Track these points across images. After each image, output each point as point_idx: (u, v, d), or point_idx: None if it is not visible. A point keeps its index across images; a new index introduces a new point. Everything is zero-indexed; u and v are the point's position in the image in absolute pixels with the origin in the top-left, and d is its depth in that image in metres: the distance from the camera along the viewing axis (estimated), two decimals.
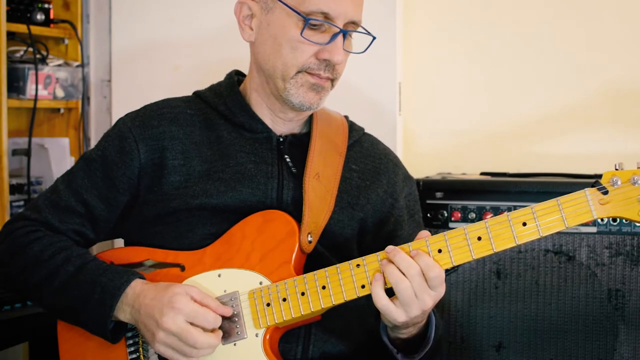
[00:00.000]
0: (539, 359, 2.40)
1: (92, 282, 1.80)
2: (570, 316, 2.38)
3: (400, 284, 1.65)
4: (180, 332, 1.70)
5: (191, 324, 1.71)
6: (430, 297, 1.67)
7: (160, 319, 1.70)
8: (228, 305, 1.78)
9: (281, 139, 1.94)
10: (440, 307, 2.35)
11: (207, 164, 1.89)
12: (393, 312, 1.67)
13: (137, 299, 1.76)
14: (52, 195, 1.94)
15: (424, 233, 1.70)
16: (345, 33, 1.82)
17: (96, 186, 1.92)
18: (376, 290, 1.68)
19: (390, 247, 1.69)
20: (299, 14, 1.79)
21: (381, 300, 1.67)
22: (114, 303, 1.77)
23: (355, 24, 1.85)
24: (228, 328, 1.77)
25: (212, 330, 1.73)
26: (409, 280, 1.65)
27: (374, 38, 1.90)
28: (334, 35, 1.81)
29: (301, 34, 1.80)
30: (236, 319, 1.77)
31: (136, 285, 1.78)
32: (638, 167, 1.60)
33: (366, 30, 1.89)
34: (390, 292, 1.68)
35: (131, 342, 1.84)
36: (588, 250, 2.37)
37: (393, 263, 1.66)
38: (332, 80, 1.86)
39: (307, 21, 1.79)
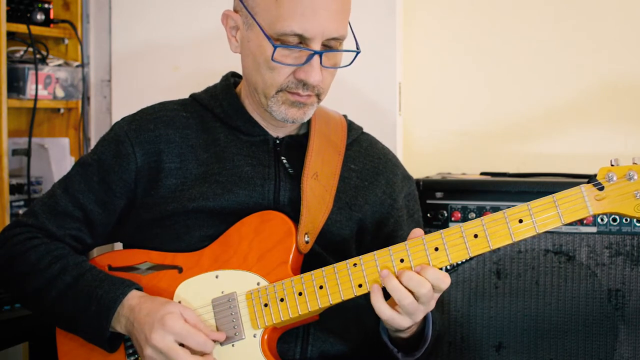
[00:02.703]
0: (539, 359, 2.39)
1: (89, 294, 1.80)
2: (570, 316, 2.37)
3: (404, 300, 1.64)
4: (167, 351, 1.69)
5: (181, 345, 1.71)
6: (435, 301, 1.69)
7: (149, 335, 1.70)
8: (225, 306, 1.77)
9: (278, 141, 1.93)
10: (440, 307, 2.35)
11: (204, 166, 1.89)
12: (398, 319, 1.67)
13: (132, 311, 1.76)
14: (49, 200, 1.93)
15: (418, 231, 1.70)
16: (321, 54, 1.77)
17: (93, 190, 1.91)
18: (378, 304, 1.67)
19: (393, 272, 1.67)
20: (268, 38, 1.76)
21: (385, 312, 1.67)
22: (110, 315, 1.77)
23: (337, 39, 1.79)
24: (226, 329, 1.77)
25: (203, 355, 1.72)
26: (418, 297, 1.64)
27: (358, 52, 1.84)
28: (309, 57, 1.76)
29: (272, 58, 1.76)
30: (234, 320, 1.76)
31: (133, 298, 1.78)
32: (634, 163, 1.60)
33: (357, 44, 1.85)
34: (386, 292, 1.68)
35: (130, 344, 1.84)
36: (588, 250, 2.37)
37: (400, 281, 1.65)
38: (318, 95, 1.83)
39: (275, 48, 1.75)
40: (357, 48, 1.84)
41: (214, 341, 1.74)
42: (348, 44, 1.84)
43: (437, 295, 1.68)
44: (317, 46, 1.76)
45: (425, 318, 1.79)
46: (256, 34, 1.79)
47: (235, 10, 1.86)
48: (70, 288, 1.81)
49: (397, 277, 1.65)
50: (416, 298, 1.65)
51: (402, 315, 1.67)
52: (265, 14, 1.76)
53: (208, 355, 1.72)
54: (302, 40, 1.76)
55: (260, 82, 1.82)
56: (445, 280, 1.65)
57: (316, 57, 1.76)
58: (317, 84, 1.79)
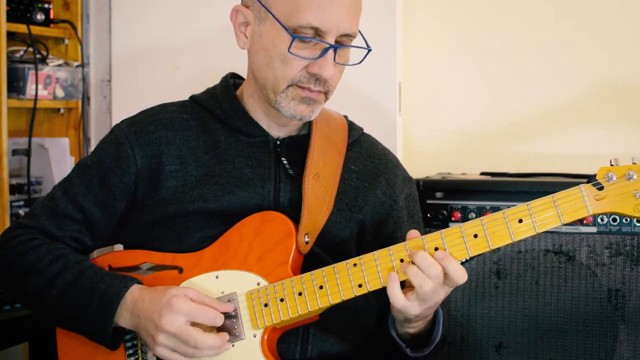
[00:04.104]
0: (539, 359, 2.39)
1: (91, 290, 1.79)
2: (570, 316, 2.37)
3: (424, 286, 1.64)
4: (180, 332, 1.69)
5: (192, 324, 1.71)
6: (444, 292, 1.68)
7: (159, 321, 1.70)
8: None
9: (278, 142, 1.93)
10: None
11: (204, 168, 1.89)
12: (409, 308, 1.67)
13: (135, 304, 1.76)
14: (49, 202, 1.94)
15: (414, 233, 1.70)
16: (336, 48, 1.78)
17: (93, 193, 1.91)
18: (393, 292, 1.66)
19: (411, 250, 1.68)
20: (286, 29, 1.76)
21: (399, 301, 1.66)
22: (113, 310, 1.77)
23: (349, 36, 1.81)
24: (226, 329, 1.76)
25: (216, 332, 1.73)
26: (429, 278, 1.64)
27: (369, 50, 1.85)
28: (324, 50, 1.77)
29: (289, 49, 1.76)
30: (234, 320, 1.76)
31: (135, 291, 1.78)
32: (633, 163, 1.60)
33: (366, 44, 1.86)
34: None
35: (130, 344, 1.84)
36: (588, 250, 2.37)
37: (414, 263, 1.65)
38: (326, 93, 1.83)
39: (294, 38, 1.76)
40: (368, 47, 1.85)
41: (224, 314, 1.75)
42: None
43: (447, 289, 1.68)
44: (331, 40, 1.77)
45: (435, 315, 1.79)
46: (270, 27, 1.80)
47: (246, 6, 1.86)
48: (71, 285, 1.81)
49: (412, 259, 1.66)
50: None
51: (412, 302, 1.66)
52: (281, 7, 1.77)
53: (222, 333, 1.73)
54: (318, 34, 1.76)
55: (271, 76, 1.82)
56: (463, 276, 1.65)
57: (330, 52, 1.77)
58: (329, 79, 1.79)
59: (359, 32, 1.85)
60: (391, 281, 1.66)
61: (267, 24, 1.81)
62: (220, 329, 1.75)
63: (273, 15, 1.78)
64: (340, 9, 1.77)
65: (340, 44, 1.80)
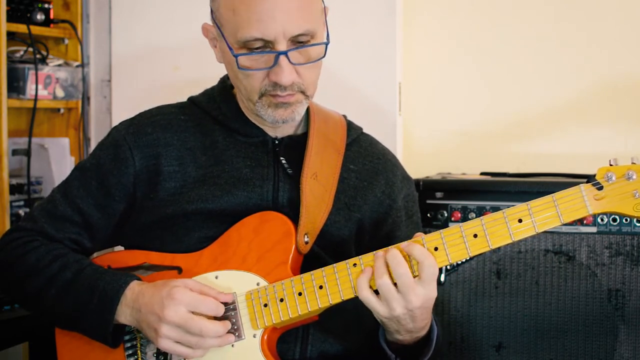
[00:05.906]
0: (539, 359, 2.39)
1: (91, 287, 1.80)
2: (570, 316, 2.37)
3: (379, 279, 1.65)
4: (184, 322, 1.70)
5: (193, 314, 1.71)
6: (417, 297, 1.65)
7: (161, 313, 1.70)
8: (225, 306, 1.77)
9: (277, 142, 1.93)
10: (440, 307, 2.35)
11: (202, 169, 1.89)
12: (375, 304, 1.67)
13: (136, 299, 1.76)
14: (48, 205, 1.94)
15: (420, 235, 1.70)
16: (286, 53, 1.74)
17: (92, 195, 1.91)
18: (360, 282, 1.67)
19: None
20: (230, 48, 1.76)
21: (362, 290, 1.67)
22: (113, 306, 1.77)
23: (303, 35, 1.76)
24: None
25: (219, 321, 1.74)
26: (396, 277, 1.64)
27: (327, 43, 1.80)
28: (276, 58, 1.74)
29: (238, 67, 1.76)
30: (234, 320, 1.76)
31: (134, 287, 1.78)
32: (633, 163, 1.60)
33: (327, 36, 1.82)
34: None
35: (129, 345, 1.84)
36: (588, 250, 2.37)
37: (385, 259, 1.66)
38: (303, 92, 1.81)
39: (236, 57, 1.75)
40: (327, 39, 1.82)
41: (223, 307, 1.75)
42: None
43: (421, 291, 1.64)
44: (282, 46, 1.74)
45: (430, 330, 1.79)
46: (226, 44, 1.80)
47: (212, 23, 1.88)
48: (70, 284, 1.82)
49: (384, 253, 1.67)
50: (394, 282, 1.64)
51: (380, 301, 1.66)
52: (228, 24, 1.78)
53: (225, 321, 1.74)
54: (267, 43, 1.75)
55: (242, 89, 1.83)
56: (428, 258, 1.63)
57: (283, 57, 1.74)
58: (290, 84, 1.77)
59: (325, 20, 1.82)
60: (363, 273, 1.68)
61: (223, 41, 1.81)
62: None
63: (222, 34, 1.79)
64: (282, 15, 1.73)
65: (297, 45, 1.76)
